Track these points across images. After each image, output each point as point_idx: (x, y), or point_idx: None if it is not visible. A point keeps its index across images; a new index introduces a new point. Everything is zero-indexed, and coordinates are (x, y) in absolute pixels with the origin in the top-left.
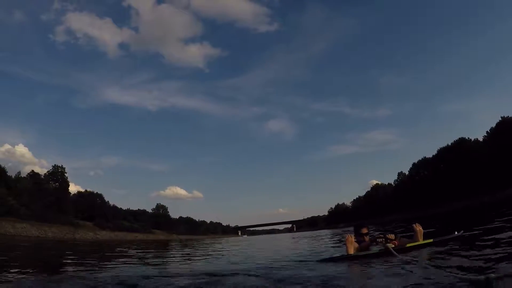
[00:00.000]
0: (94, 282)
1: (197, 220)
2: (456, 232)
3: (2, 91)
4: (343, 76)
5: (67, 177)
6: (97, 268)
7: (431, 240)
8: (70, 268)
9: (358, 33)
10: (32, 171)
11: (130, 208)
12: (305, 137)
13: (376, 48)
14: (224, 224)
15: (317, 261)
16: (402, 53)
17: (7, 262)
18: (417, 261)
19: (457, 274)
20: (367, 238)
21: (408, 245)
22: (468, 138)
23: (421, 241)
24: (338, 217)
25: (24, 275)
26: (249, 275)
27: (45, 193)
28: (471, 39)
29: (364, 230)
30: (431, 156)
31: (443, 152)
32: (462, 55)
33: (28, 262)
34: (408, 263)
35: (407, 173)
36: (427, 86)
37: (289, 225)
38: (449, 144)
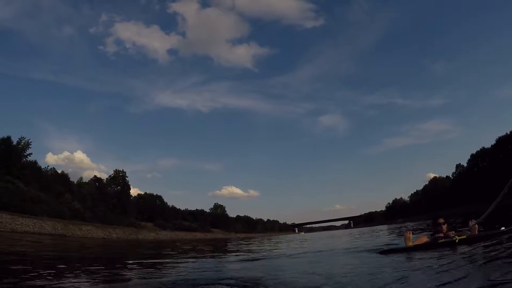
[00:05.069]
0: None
1: (254, 218)
2: (503, 228)
3: (58, 100)
4: (393, 67)
5: (128, 180)
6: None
7: (474, 235)
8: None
9: (406, 22)
10: (95, 176)
11: (189, 209)
12: (359, 131)
13: (424, 36)
14: (280, 221)
15: (379, 252)
16: (452, 39)
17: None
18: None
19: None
20: (444, 227)
21: (460, 237)
22: None
23: (474, 234)
24: (396, 212)
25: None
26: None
27: (107, 196)
28: None
29: (440, 220)
30: (489, 146)
31: (503, 142)
32: None
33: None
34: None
35: (465, 164)
36: (482, 71)
37: (346, 222)
38: (508, 132)
